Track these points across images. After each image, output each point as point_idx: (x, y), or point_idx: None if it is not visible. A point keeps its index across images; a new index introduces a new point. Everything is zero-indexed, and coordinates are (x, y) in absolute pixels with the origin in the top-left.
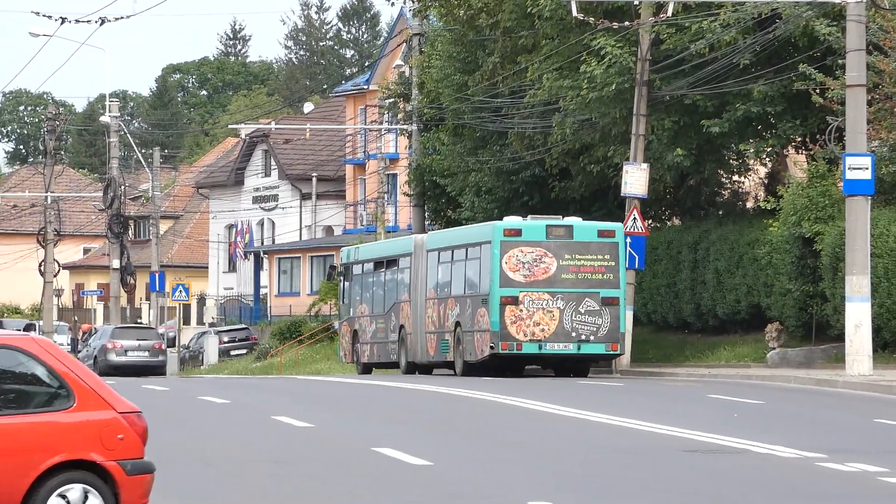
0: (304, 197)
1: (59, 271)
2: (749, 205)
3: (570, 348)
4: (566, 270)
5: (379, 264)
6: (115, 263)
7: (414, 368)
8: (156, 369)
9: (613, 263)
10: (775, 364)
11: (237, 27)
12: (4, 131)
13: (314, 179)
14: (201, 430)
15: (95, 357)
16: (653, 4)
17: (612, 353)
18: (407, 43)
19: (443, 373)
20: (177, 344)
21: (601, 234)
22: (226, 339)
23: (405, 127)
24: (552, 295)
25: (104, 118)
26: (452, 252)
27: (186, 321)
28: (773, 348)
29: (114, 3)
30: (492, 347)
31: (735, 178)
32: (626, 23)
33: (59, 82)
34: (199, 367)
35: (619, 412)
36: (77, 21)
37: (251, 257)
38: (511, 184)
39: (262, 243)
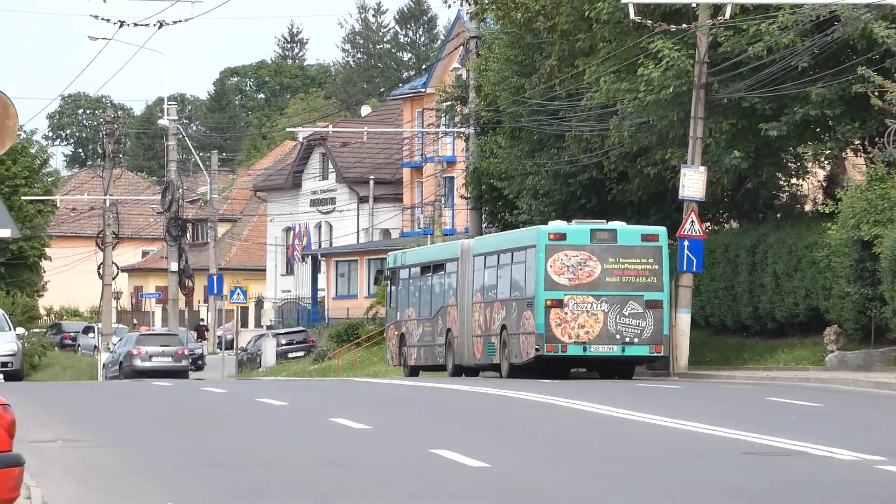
0: (362, 200)
1: (117, 274)
2: (807, 208)
3: (615, 350)
4: (610, 274)
5: (426, 269)
6: (174, 266)
7: (461, 371)
8: (179, 374)
9: (657, 267)
10: (834, 367)
11: (295, 30)
12: (63, 135)
13: (371, 182)
14: (259, 432)
15: (121, 363)
16: (710, 7)
17: (655, 355)
18: (464, 46)
19: (489, 375)
20: (234, 346)
21: (645, 237)
22: (283, 341)
23: (462, 130)
24: (596, 298)
25: (162, 121)
26: (498, 256)
27: (244, 324)
28: (832, 351)
29: (172, 6)
30: (537, 349)
31: (793, 180)
32: (684, 25)
33: (118, 86)
34: (257, 370)
35: (676, 414)
36: (135, 25)
37: (308, 260)
38: (568, 187)
39: (320, 246)
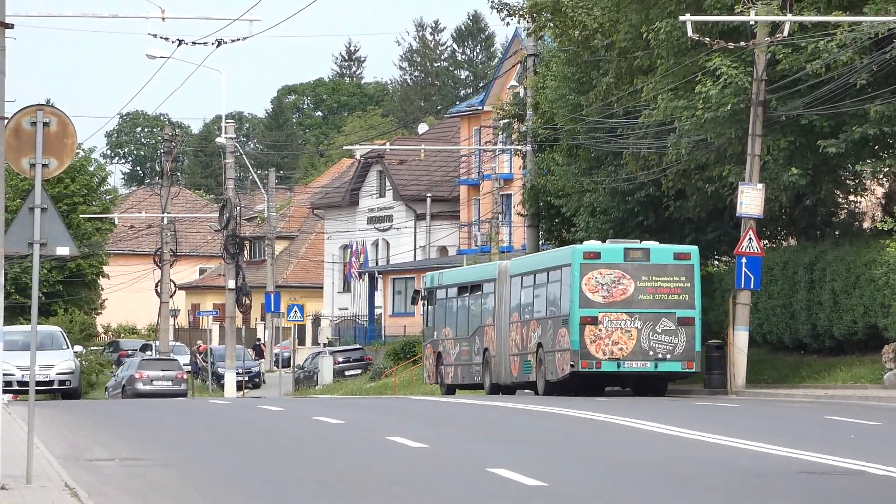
0: (419, 217)
1: (175, 292)
2: (866, 225)
3: (648, 366)
4: (643, 291)
5: (463, 289)
6: (231, 284)
7: (497, 389)
8: (177, 397)
9: (689, 285)
10: (892, 385)
11: (352, 48)
12: (122, 153)
13: (428, 200)
14: (317, 450)
15: (124, 386)
16: (769, 24)
17: (687, 370)
18: (521, 64)
19: (526, 393)
20: (291, 364)
21: (677, 256)
22: (340, 359)
23: (519, 147)
24: (630, 315)
25: (220, 139)
26: (535, 276)
27: (301, 341)
28: (890, 369)
29: (230, 25)
30: (572, 366)
31: (851, 198)
32: (742, 43)
33: (176, 104)
34: (314, 388)
35: (734, 433)
36: (194, 43)
37: (366, 278)
38: (626, 204)
39: (377, 264)
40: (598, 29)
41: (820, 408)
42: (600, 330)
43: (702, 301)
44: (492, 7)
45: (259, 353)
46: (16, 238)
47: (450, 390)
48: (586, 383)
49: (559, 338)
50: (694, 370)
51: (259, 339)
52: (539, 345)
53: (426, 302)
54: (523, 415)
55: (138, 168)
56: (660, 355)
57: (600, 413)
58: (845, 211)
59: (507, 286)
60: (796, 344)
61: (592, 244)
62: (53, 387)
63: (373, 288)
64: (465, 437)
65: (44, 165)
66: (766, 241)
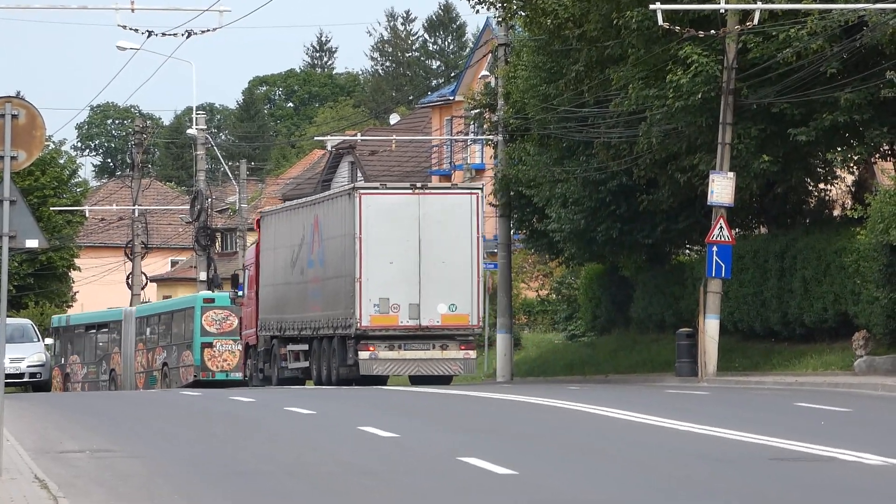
0: None
1: (146, 284)
2: (836, 213)
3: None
4: (241, 325)
5: (90, 327)
6: (202, 276)
7: None
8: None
9: None
10: (862, 372)
11: (323, 39)
12: (92, 145)
13: None
14: (288, 440)
15: None
16: (739, 13)
17: None
18: (493, 53)
19: None
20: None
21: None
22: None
23: (491, 137)
24: (234, 341)
25: (191, 131)
26: (160, 316)
27: None
28: (861, 356)
29: (200, 16)
30: (195, 377)
31: (822, 185)
32: (713, 31)
33: (146, 96)
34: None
35: (705, 420)
36: (164, 34)
37: None
38: (598, 194)
39: None
40: (569, 18)
41: (790, 395)
42: (214, 352)
43: (673, 289)
44: None
45: None
46: None
47: None
48: (204, 388)
49: (184, 357)
50: None
51: None
52: (164, 363)
53: (54, 337)
54: (494, 403)
55: (109, 160)
56: None
57: (570, 402)
58: (815, 199)
59: (133, 324)
60: (767, 332)
61: (208, 293)
62: (24, 379)
63: None
64: (436, 426)
65: (12, 158)
66: (736, 230)
